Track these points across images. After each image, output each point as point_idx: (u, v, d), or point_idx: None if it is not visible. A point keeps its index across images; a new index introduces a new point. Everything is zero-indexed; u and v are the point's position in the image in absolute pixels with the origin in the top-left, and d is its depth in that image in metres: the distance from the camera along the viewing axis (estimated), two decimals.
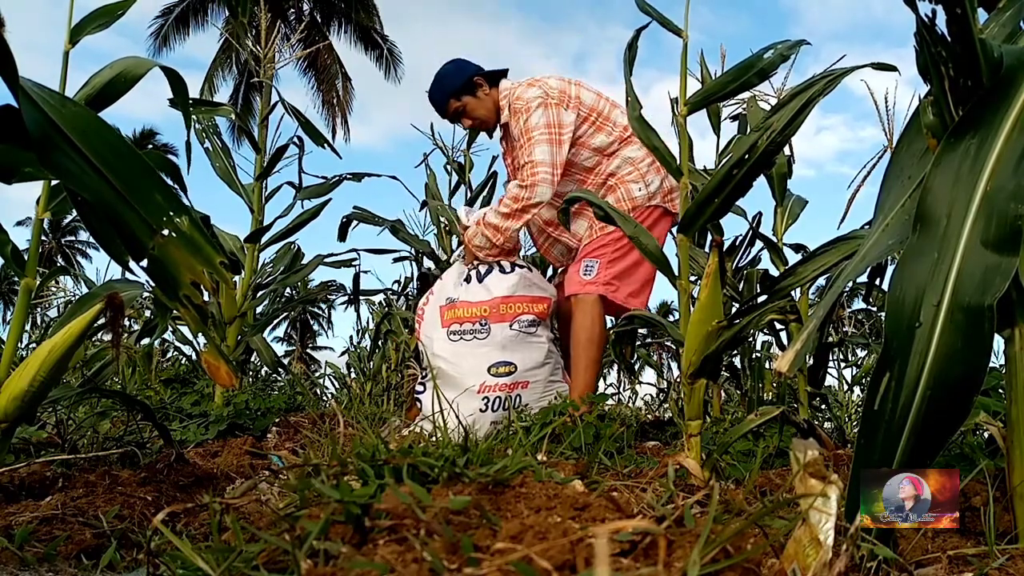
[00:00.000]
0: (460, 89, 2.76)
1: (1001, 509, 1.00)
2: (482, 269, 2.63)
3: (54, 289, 4.80)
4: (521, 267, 2.62)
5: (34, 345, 3.99)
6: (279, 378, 4.91)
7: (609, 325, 2.64)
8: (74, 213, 1.35)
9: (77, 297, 2.37)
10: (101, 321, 1.22)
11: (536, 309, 2.53)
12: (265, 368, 4.85)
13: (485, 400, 2.37)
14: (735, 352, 3.20)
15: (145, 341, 3.79)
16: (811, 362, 2.40)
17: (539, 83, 2.64)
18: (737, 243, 2.91)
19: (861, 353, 4.26)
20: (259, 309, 3.46)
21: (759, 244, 2.80)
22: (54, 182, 1.37)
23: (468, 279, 2.63)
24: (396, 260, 4.29)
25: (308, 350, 31.12)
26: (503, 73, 2.83)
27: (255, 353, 3.43)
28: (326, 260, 3.35)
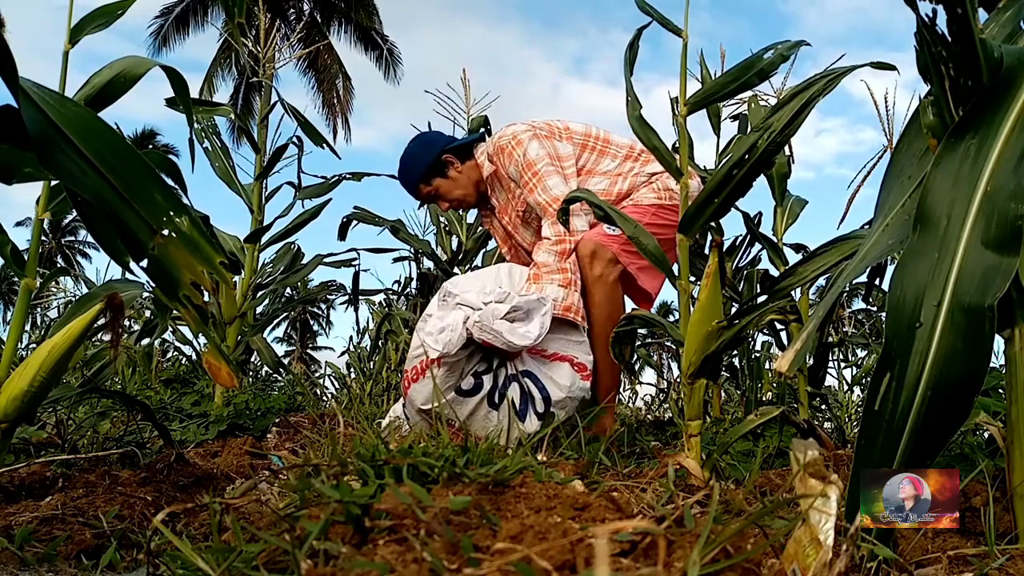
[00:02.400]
0: (428, 172, 2.50)
1: (1001, 509, 1.00)
2: (509, 390, 2.02)
3: (54, 289, 4.80)
4: (557, 404, 2.07)
5: (34, 345, 3.99)
6: (279, 378, 4.91)
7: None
8: (74, 213, 1.35)
9: (77, 297, 2.37)
10: (101, 321, 1.21)
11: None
12: (265, 368, 4.85)
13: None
14: (735, 352, 3.21)
15: (145, 341, 3.80)
16: (811, 362, 2.40)
17: (519, 122, 2.47)
18: (737, 243, 2.92)
19: (861, 353, 4.26)
20: (259, 309, 3.46)
21: (759, 244, 2.80)
22: (54, 182, 1.37)
23: (483, 393, 2.02)
24: (396, 260, 4.29)
25: (308, 350, 31.13)
26: (481, 138, 2.58)
27: (255, 353, 3.44)
28: (326, 260, 3.35)
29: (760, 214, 2.77)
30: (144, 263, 1.06)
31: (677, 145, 1.67)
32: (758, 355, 3.31)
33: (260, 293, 3.16)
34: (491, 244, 3.67)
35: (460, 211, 3.09)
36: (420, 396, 2.02)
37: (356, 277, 3.65)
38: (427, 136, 2.64)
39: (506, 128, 2.46)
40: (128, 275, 1.78)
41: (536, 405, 2.07)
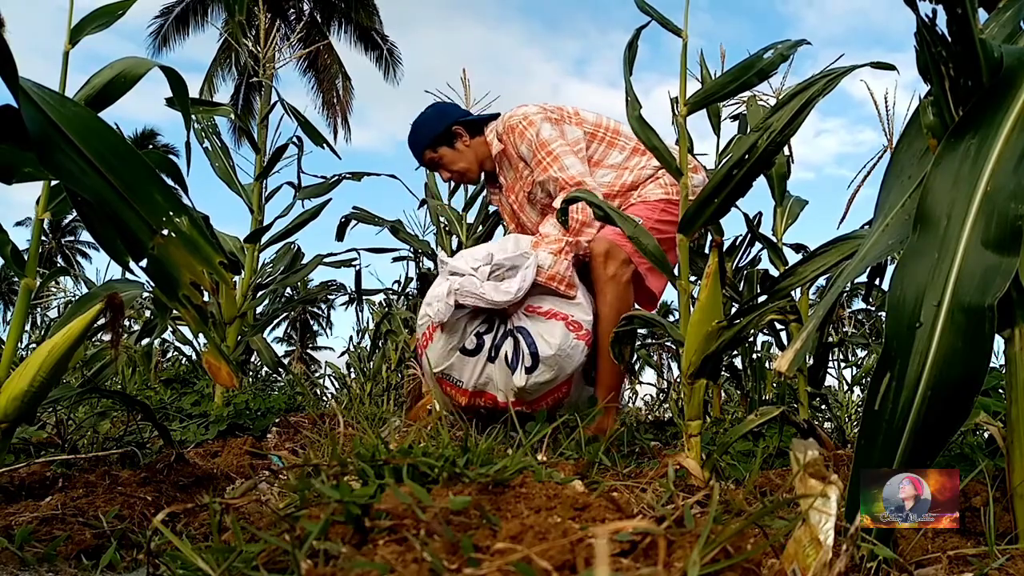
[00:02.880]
0: (436, 139, 2.57)
1: (1001, 509, 1.00)
2: (504, 344, 2.17)
3: (54, 289, 4.81)
4: (546, 361, 2.14)
5: (34, 345, 3.99)
6: (279, 378, 4.92)
7: None
8: (74, 213, 1.35)
9: (77, 297, 2.37)
10: (101, 321, 1.21)
11: (551, 401, 2.24)
12: (265, 368, 4.86)
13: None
14: (735, 352, 3.20)
15: (145, 341, 3.80)
16: (811, 362, 2.39)
17: (531, 103, 2.50)
18: (737, 243, 2.92)
19: (861, 353, 4.26)
20: (259, 309, 3.46)
21: (759, 244, 2.80)
22: (54, 182, 1.37)
23: (486, 349, 2.17)
24: (395, 260, 4.30)
25: (308, 350, 31.13)
26: (493, 117, 2.61)
27: (255, 353, 3.43)
28: (326, 260, 3.35)
29: (760, 214, 2.77)
30: (144, 263, 1.06)
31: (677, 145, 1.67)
32: (758, 355, 3.31)
33: (260, 293, 3.16)
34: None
35: (462, 184, 3.11)
36: (432, 359, 2.21)
37: (358, 276, 3.65)
38: (443, 105, 2.71)
39: (517, 108, 2.49)
40: (128, 275, 1.78)
41: (524, 360, 2.15)
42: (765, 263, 3.15)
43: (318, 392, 5.16)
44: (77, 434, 1.90)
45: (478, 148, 2.58)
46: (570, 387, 2.27)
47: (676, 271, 1.55)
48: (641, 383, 5.36)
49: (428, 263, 3.96)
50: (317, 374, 6.43)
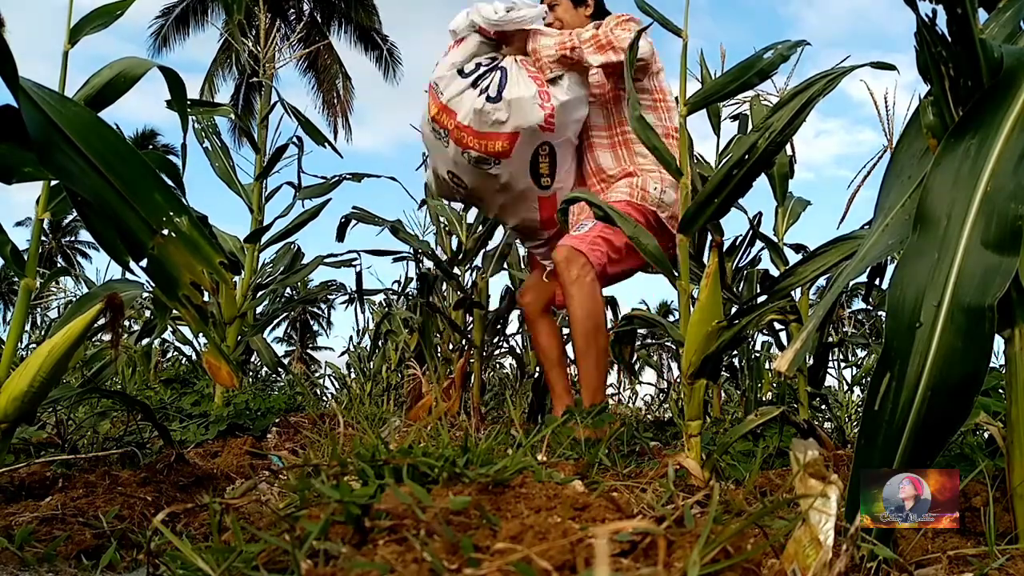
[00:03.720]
0: None
1: (1001, 509, 1.00)
2: (489, 77, 2.46)
3: (54, 289, 4.81)
4: (505, 99, 2.40)
5: (34, 345, 3.99)
6: (279, 378, 4.92)
7: (608, 326, 2.57)
8: (74, 213, 1.35)
9: (77, 297, 2.37)
10: (101, 321, 1.21)
11: (491, 148, 2.43)
12: (265, 368, 4.86)
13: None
14: (735, 352, 3.20)
15: (145, 341, 3.80)
16: (811, 362, 2.40)
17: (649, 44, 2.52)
18: (737, 243, 2.91)
19: (861, 353, 4.26)
20: (259, 309, 3.46)
21: (759, 244, 2.80)
22: (54, 182, 1.37)
23: (474, 76, 2.48)
24: (396, 260, 4.29)
25: (308, 350, 31.13)
26: (604, 15, 2.67)
27: (255, 353, 3.44)
28: (326, 260, 3.35)
29: (760, 214, 2.77)
30: (144, 263, 1.06)
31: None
32: (758, 355, 3.31)
33: (260, 293, 3.16)
34: (491, 244, 3.67)
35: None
36: (436, 69, 2.56)
37: (359, 277, 3.65)
38: None
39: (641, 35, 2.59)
40: (128, 275, 1.78)
41: (491, 90, 2.44)
42: (765, 263, 3.15)
43: (318, 392, 5.17)
44: (77, 434, 1.90)
45: (584, 24, 2.64)
46: (511, 151, 2.42)
47: (676, 271, 1.55)
48: (641, 383, 5.36)
49: (428, 263, 3.96)
50: (317, 374, 6.43)
